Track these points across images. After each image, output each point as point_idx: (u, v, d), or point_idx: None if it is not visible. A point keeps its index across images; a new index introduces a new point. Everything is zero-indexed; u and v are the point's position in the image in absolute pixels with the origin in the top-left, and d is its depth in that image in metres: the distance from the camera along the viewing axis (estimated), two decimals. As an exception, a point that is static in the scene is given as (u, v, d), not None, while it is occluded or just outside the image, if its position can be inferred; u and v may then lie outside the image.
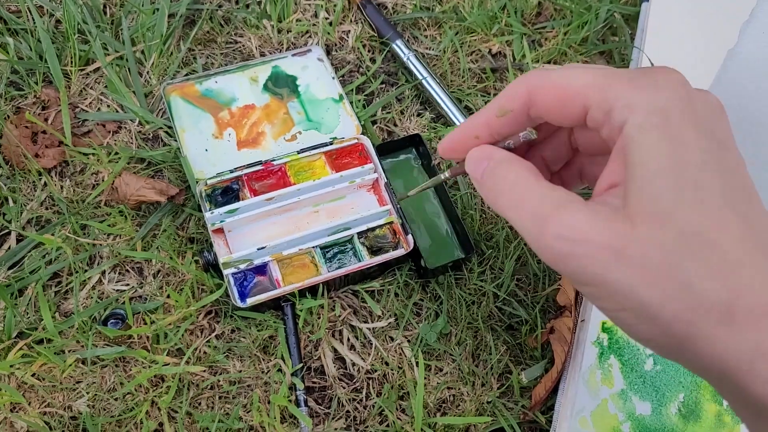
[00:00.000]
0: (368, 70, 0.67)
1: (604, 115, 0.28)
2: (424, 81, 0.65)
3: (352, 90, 0.65)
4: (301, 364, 0.53)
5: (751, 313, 0.25)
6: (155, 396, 0.51)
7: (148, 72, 0.64)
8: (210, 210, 0.55)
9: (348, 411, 0.53)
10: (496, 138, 0.33)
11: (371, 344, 0.55)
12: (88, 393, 0.51)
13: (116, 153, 0.59)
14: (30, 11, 0.64)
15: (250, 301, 0.52)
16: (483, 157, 0.32)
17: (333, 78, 0.64)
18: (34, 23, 0.63)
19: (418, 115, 0.65)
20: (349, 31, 0.69)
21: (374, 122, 0.64)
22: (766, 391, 0.25)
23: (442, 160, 0.63)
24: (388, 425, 0.52)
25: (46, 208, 0.57)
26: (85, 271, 0.55)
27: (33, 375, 0.50)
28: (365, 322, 0.56)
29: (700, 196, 0.26)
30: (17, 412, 0.50)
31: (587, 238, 0.26)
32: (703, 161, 0.26)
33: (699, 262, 0.25)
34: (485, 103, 0.66)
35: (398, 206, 0.57)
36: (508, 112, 0.31)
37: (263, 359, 0.53)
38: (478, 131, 0.33)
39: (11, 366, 0.50)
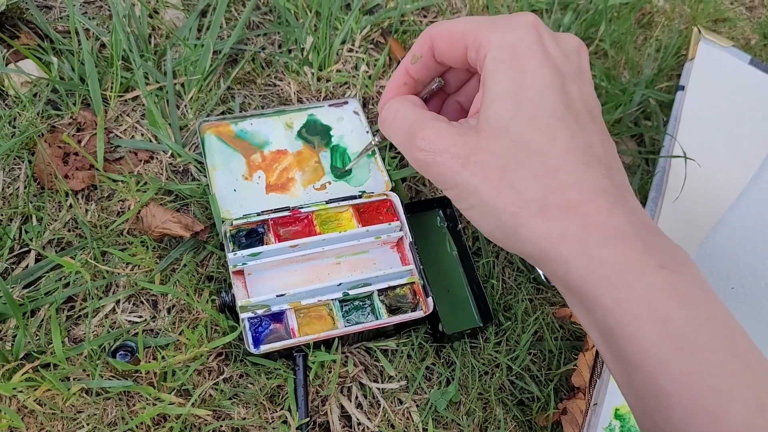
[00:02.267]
0: (402, 128, 0.67)
1: (476, 52, 0.35)
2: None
3: (385, 146, 0.66)
4: (308, 419, 0.52)
5: (559, 207, 0.31)
6: (156, 436, 0.50)
7: (185, 105, 0.65)
8: (233, 251, 0.55)
9: (350, 472, 0.52)
10: (419, 86, 0.40)
11: (379, 405, 0.54)
12: (88, 425, 0.49)
13: (145, 183, 0.59)
14: (78, 33, 0.65)
15: (264, 348, 0.52)
16: (383, 103, 0.40)
17: (367, 132, 0.64)
18: (80, 45, 0.64)
19: (448, 177, 0.66)
20: (388, 87, 0.70)
21: (404, 180, 0.65)
22: (567, 269, 0.31)
23: (457, 217, 0.62)
24: (389, 492, 0.51)
25: (69, 230, 0.57)
26: (100, 298, 0.54)
27: (35, 400, 0.49)
28: (375, 381, 0.55)
29: (534, 114, 0.32)
30: (14, 436, 0.49)
31: (442, 148, 0.33)
32: (543, 87, 0.32)
33: (524, 166, 0.32)
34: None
35: (421, 267, 0.56)
36: (419, 58, 0.39)
37: (269, 409, 0.52)
38: (403, 79, 0.40)
39: (14, 388, 0.49)
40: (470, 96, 0.41)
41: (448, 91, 0.42)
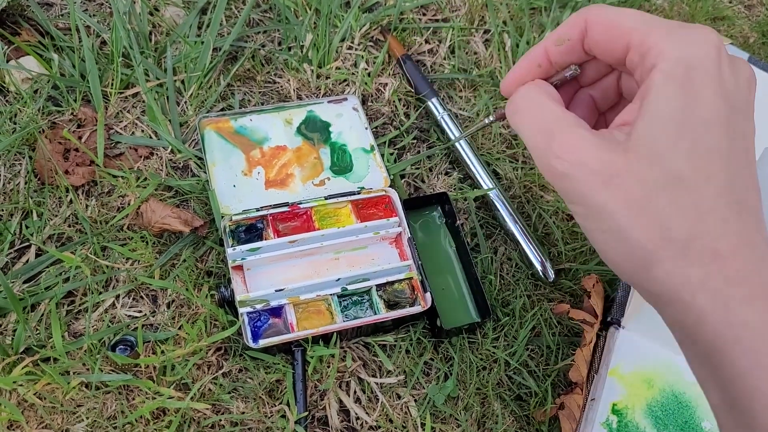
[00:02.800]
0: (402, 125, 0.68)
1: (640, 57, 0.30)
2: (455, 142, 0.65)
3: (384, 142, 0.66)
4: (306, 413, 0.52)
5: (703, 253, 0.28)
6: (156, 429, 0.50)
7: (185, 102, 0.65)
8: (232, 246, 0.55)
9: (348, 466, 0.52)
10: (555, 69, 0.35)
11: (378, 400, 0.54)
12: (87, 418, 0.50)
13: (145, 179, 0.60)
14: (78, 30, 0.65)
15: (263, 342, 0.52)
16: (520, 84, 0.35)
17: (366, 128, 0.65)
18: (81, 42, 0.64)
19: (446, 174, 0.66)
20: (387, 84, 0.70)
21: (402, 176, 0.65)
22: (702, 322, 0.28)
23: (467, 213, 0.63)
24: (387, 486, 0.51)
25: (69, 226, 0.57)
26: (100, 293, 0.55)
27: (35, 394, 0.50)
28: (374, 376, 0.55)
29: (695, 147, 0.28)
30: (14, 429, 0.49)
31: (583, 161, 0.29)
32: (712, 119, 0.29)
33: (673, 202, 0.28)
34: (513, 169, 0.67)
35: (419, 263, 0.57)
36: (566, 41, 0.34)
37: (268, 403, 0.53)
38: (539, 59, 0.35)
39: (14, 382, 0.50)
40: (607, 92, 0.37)
41: (582, 83, 0.37)
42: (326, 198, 0.60)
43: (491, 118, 0.40)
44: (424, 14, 0.77)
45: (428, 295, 0.55)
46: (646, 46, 0.30)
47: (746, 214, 0.29)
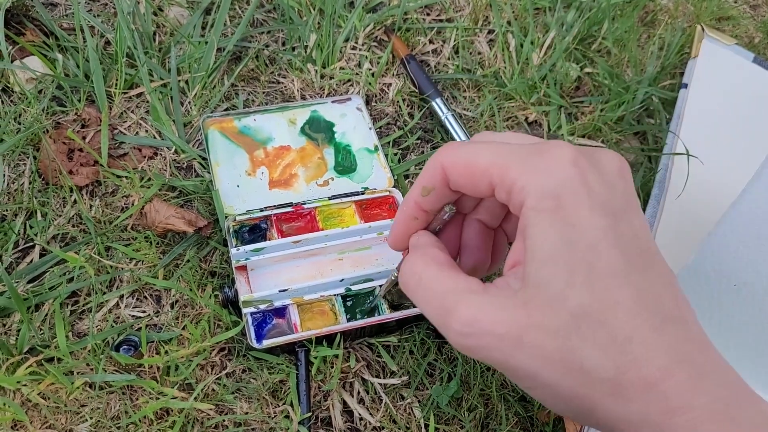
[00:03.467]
0: (405, 125, 0.68)
1: (507, 194, 0.29)
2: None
3: (388, 142, 0.66)
4: (310, 413, 0.52)
5: (635, 387, 0.26)
6: (159, 430, 0.50)
7: (189, 102, 0.65)
8: (236, 246, 0.55)
9: (351, 467, 0.52)
10: (430, 217, 0.35)
11: (381, 400, 0.54)
12: (91, 418, 0.50)
13: (149, 179, 0.60)
14: (83, 30, 0.65)
15: (267, 343, 0.52)
16: (405, 248, 0.35)
17: (370, 128, 0.65)
18: (85, 42, 0.65)
19: (450, 174, 0.66)
20: (391, 84, 0.70)
21: (406, 176, 0.65)
22: None
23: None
24: (390, 487, 0.51)
25: (73, 226, 0.57)
26: (104, 293, 0.55)
27: (39, 393, 0.50)
28: (377, 377, 0.55)
29: (590, 276, 0.27)
30: (18, 430, 0.49)
31: (487, 330, 0.28)
32: (597, 239, 0.27)
33: (588, 342, 0.27)
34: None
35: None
36: (432, 190, 0.33)
37: (271, 403, 0.52)
38: (414, 213, 0.34)
39: (18, 382, 0.50)
40: (493, 211, 0.36)
41: (464, 212, 0.36)
42: (330, 198, 0.60)
43: (395, 275, 0.41)
44: (428, 14, 0.77)
45: (432, 295, 0.55)
46: (509, 182, 0.29)
47: (670, 326, 0.27)
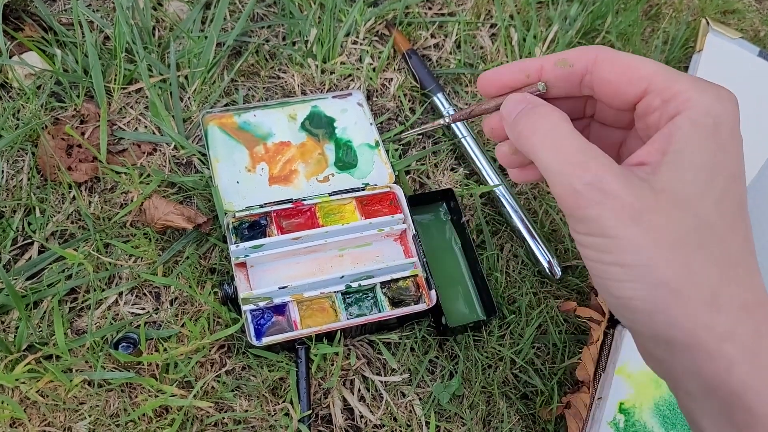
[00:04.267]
0: (407, 120, 0.67)
1: (662, 102, 0.30)
2: (461, 138, 0.65)
3: (389, 138, 0.65)
4: (310, 411, 0.52)
5: (731, 302, 0.28)
6: (158, 427, 0.50)
7: (189, 98, 0.65)
8: (235, 243, 0.55)
9: (352, 465, 0.51)
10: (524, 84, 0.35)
11: (382, 398, 0.54)
12: (90, 416, 0.49)
13: (148, 175, 0.59)
14: (81, 25, 0.64)
15: (266, 340, 0.51)
16: (522, 100, 0.34)
17: (371, 124, 0.64)
18: (84, 37, 0.64)
19: (452, 170, 0.65)
20: (392, 79, 0.69)
21: (408, 172, 0.64)
22: (728, 371, 0.28)
23: (472, 210, 0.62)
24: (391, 485, 0.51)
25: (72, 222, 0.57)
26: (103, 290, 0.54)
27: (37, 391, 0.49)
28: (378, 374, 0.55)
29: (723, 198, 0.29)
30: (17, 427, 0.49)
31: (616, 192, 0.29)
32: (735, 174, 0.30)
33: (703, 249, 0.28)
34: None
35: (424, 260, 0.56)
36: (569, 66, 0.33)
37: (271, 401, 0.52)
38: (530, 71, 0.34)
39: (17, 380, 0.49)
40: (569, 113, 0.35)
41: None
42: (330, 194, 0.59)
43: (447, 120, 0.39)
44: (429, 8, 0.77)
45: (433, 292, 0.55)
46: (672, 92, 0.30)
47: (758, 270, 0.30)
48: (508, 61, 0.72)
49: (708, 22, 0.78)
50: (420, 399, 0.54)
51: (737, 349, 0.28)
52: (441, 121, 0.40)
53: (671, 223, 0.28)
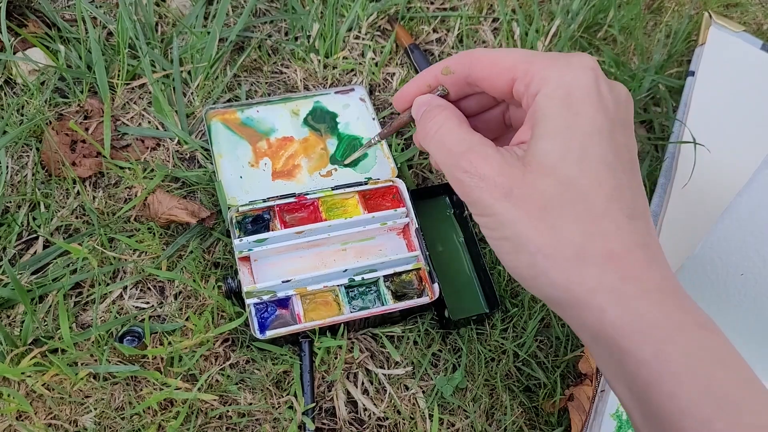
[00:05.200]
0: (409, 114, 0.67)
1: (525, 86, 0.34)
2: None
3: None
4: (314, 404, 0.52)
5: (597, 255, 0.30)
6: (163, 420, 0.50)
7: (192, 93, 0.65)
8: (239, 237, 0.55)
9: (355, 457, 0.52)
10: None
11: (385, 391, 0.54)
12: (95, 409, 0.50)
13: (152, 170, 0.59)
14: (84, 21, 0.65)
15: (270, 333, 0.52)
16: (424, 102, 0.38)
17: (373, 119, 0.64)
18: (87, 33, 0.64)
19: (454, 164, 0.65)
20: (394, 73, 0.70)
21: (410, 166, 0.64)
22: (601, 319, 0.30)
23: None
24: (394, 477, 0.51)
25: (77, 217, 0.57)
26: (108, 284, 0.55)
27: (43, 385, 0.50)
28: (381, 367, 0.55)
29: (583, 157, 0.31)
30: (23, 420, 0.49)
31: (487, 175, 0.32)
32: (594, 131, 0.31)
33: (567, 208, 0.31)
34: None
35: (427, 253, 0.56)
36: (451, 73, 0.37)
37: (275, 394, 0.52)
38: (430, 81, 0.39)
39: (23, 373, 0.50)
40: (489, 124, 0.41)
41: (467, 114, 0.40)
42: (333, 189, 0.59)
43: (376, 139, 0.47)
44: (432, 3, 0.77)
45: (436, 285, 0.55)
46: (530, 75, 0.33)
47: (636, 219, 0.31)
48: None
49: (711, 16, 0.78)
50: (423, 392, 0.54)
51: (605, 297, 0.30)
52: (372, 141, 0.48)
53: (536, 192, 0.31)
